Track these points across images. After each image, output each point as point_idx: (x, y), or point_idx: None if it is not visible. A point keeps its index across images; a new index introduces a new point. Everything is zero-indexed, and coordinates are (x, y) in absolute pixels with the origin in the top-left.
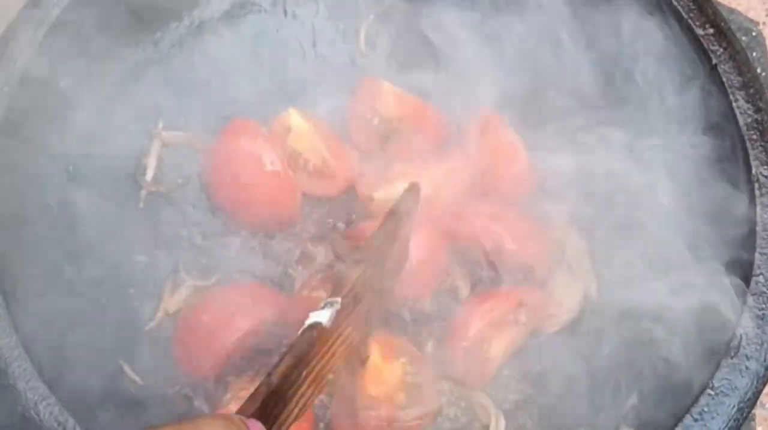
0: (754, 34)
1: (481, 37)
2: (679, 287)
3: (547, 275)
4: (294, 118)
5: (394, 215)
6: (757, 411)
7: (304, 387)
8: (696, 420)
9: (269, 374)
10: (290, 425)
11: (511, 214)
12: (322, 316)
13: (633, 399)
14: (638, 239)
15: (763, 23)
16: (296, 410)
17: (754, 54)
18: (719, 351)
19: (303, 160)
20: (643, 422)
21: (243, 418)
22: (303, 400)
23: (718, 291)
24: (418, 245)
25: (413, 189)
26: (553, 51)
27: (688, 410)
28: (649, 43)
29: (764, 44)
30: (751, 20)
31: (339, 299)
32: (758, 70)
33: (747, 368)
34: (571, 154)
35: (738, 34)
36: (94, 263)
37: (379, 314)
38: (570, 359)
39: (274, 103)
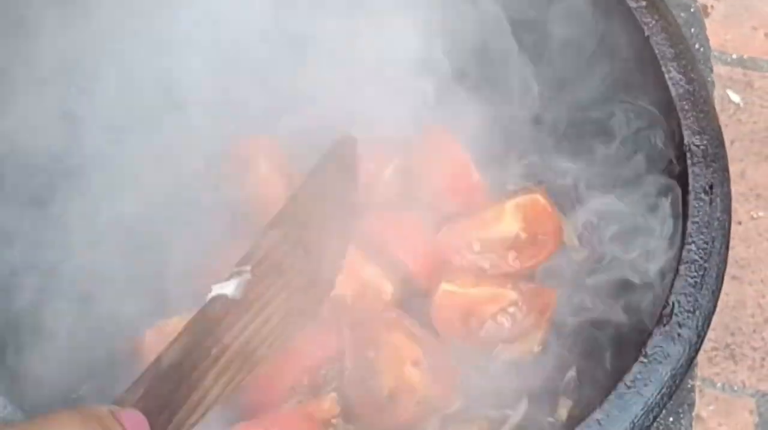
0: (692, 10)
1: None
2: (612, 258)
3: None
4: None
5: (318, 172)
6: (708, 390)
7: (219, 368)
8: (629, 387)
9: (158, 358)
10: (204, 412)
11: None
12: (227, 287)
13: (572, 372)
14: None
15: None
16: (212, 394)
17: (693, 30)
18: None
19: None
20: (582, 394)
21: (115, 409)
22: (222, 382)
23: (650, 260)
24: None
25: (347, 141)
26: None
27: (621, 378)
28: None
29: (702, 21)
30: None
31: (248, 268)
32: (696, 46)
33: (679, 335)
34: None
35: (676, 11)
36: None
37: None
38: None
39: None
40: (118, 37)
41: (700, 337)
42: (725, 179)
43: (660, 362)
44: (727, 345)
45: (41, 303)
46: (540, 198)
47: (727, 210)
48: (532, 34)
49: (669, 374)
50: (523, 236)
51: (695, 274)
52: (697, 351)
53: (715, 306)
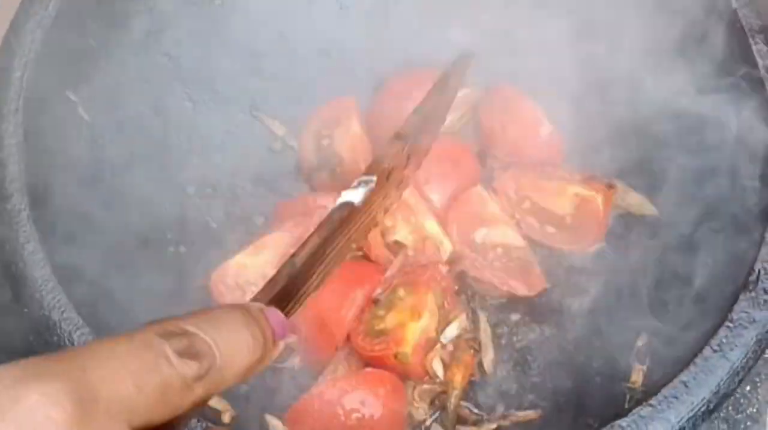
0: None
1: None
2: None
3: None
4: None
5: (440, 88)
6: None
7: (325, 263)
8: (715, 351)
9: (293, 255)
10: (305, 299)
11: None
12: (356, 195)
13: (642, 339)
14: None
15: None
16: (314, 285)
17: None
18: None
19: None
20: (659, 358)
21: (262, 307)
22: (322, 275)
23: (737, 227)
24: None
25: (467, 56)
26: None
27: (707, 342)
28: None
29: None
30: None
31: (374, 178)
32: None
33: (765, 301)
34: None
35: None
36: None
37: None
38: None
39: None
40: None
41: None
42: None
43: (746, 327)
44: None
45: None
46: (599, 200)
47: None
48: None
49: (755, 338)
50: (569, 221)
51: None
52: None
53: None
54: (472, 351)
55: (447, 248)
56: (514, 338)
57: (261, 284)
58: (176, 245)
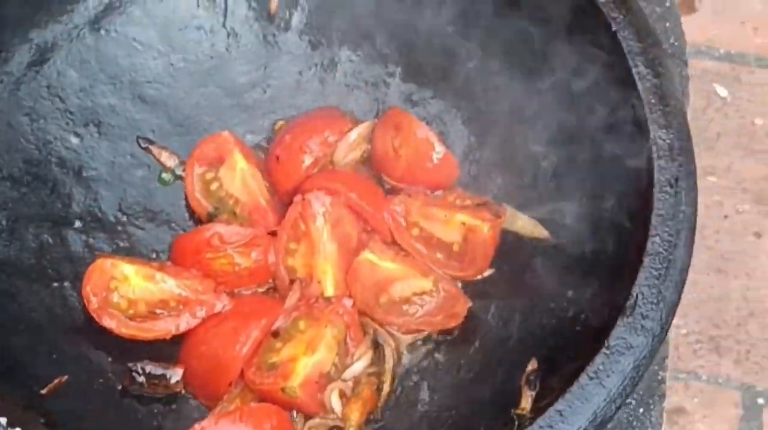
0: (667, 5)
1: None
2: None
3: None
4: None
5: None
6: (693, 383)
7: None
8: (591, 379)
9: None
10: None
11: None
12: None
13: (533, 364)
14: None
15: None
16: None
17: (667, 24)
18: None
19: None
20: (544, 386)
21: None
22: None
23: (619, 252)
24: None
25: None
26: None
27: (583, 369)
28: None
29: (678, 15)
30: None
31: None
32: (671, 40)
33: (642, 327)
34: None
35: (651, 5)
36: None
37: None
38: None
39: (188, 86)
40: None
41: (664, 329)
42: (691, 173)
43: (623, 354)
44: (712, 338)
45: None
46: (486, 229)
47: (693, 203)
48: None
49: (632, 365)
50: (456, 249)
51: (659, 266)
52: (660, 342)
53: (679, 298)
54: (374, 387)
55: (328, 293)
56: (414, 370)
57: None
58: (60, 281)
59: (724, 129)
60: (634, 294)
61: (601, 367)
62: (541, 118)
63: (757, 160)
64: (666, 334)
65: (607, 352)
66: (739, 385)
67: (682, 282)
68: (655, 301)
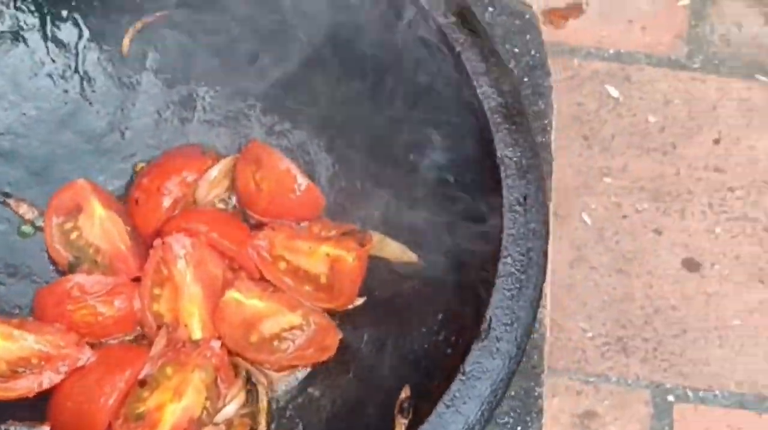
0: (527, 17)
1: None
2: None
3: None
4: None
5: None
6: (603, 385)
7: None
8: (448, 406)
9: None
10: None
11: None
12: None
13: (406, 391)
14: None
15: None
16: None
17: (528, 36)
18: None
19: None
20: (417, 413)
21: None
22: None
23: (475, 272)
24: None
25: None
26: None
27: (440, 397)
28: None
29: (538, 26)
30: (524, 3)
31: None
32: (532, 53)
33: (498, 349)
34: None
35: (510, 18)
36: None
37: None
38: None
39: (44, 134)
40: None
41: (521, 349)
42: (540, 190)
43: (479, 379)
44: (619, 339)
45: None
46: (350, 258)
47: (544, 221)
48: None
49: (489, 390)
50: (324, 280)
51: (512, 286)
52: (518, 364)
53: (534, 317)
54: (248, 428)
55: (195, 336)
56: (289, 406)
57: None
58: None
59: (617, 129)
60: (488, 317)
61: (457, 394)
62: (396, 142)
63: (652, 159)
64: (523, 353)
65: (463, 378)
66: (649, 383)
67: (537, 300)
68: (509, 322)
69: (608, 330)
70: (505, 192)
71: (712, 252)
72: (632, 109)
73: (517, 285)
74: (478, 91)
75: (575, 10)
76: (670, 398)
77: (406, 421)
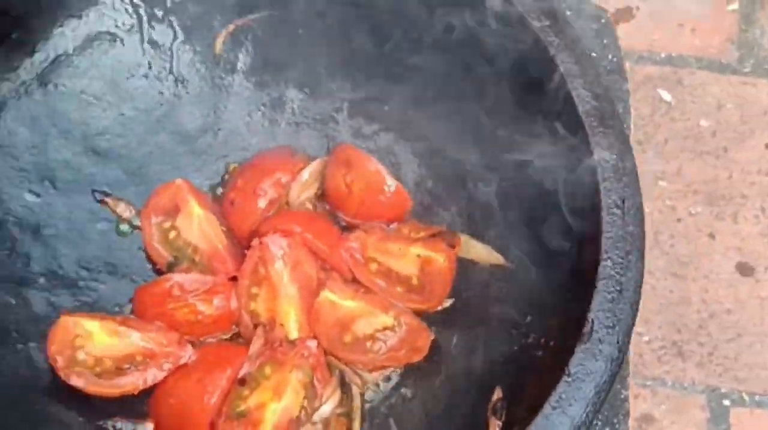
0: (603, 21)
1: None
2: (533, 277)
3: None
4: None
5: None
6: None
7: None
8: (555, 408)
9: None
10: None
11: None
12: None
13: (498, 392)
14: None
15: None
16: None
17: (605, 41)
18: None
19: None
20: (510, 415)
21: None
22: None
23: (568, 274)
24: None
25: None
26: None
27: (546, 399)
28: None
29: (614, 30)
30: (600, 7)
31: None
32: (609, 57)
33: (600, 351)
34: None
35: (587, 22)
36: None
37: None
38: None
39: (140, 135)
40: None
41: (622, 351)
42: (637, 192)
43: (583, 380)
44: (674, 343)
45: None
46: (441, 259)
47: (640, 223)
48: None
49: (593, 391)
50: (415, 282)
51: (613, 289)
52: (619, 365)
53: (635, 319)
54: (344, 427)
55: (292, 336)
56: (382, 406)
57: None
58: (25, 342)
59: (671, 133)
60: (590, 320)
61: (563, 395)
62: (486, 144)
63: (705, 162)
64: (624, 356)
65: (569, 380)
66: (705, 388)
67: (637, 302)
68: (611, 325)
69: (664, 334)
70: (602, 195)
71: (765, 256)
72: (685, 113)
73: (618, 288)
74: (573, 93)
75: (626, 13)
76: (726, 402)
77: (500, 422)
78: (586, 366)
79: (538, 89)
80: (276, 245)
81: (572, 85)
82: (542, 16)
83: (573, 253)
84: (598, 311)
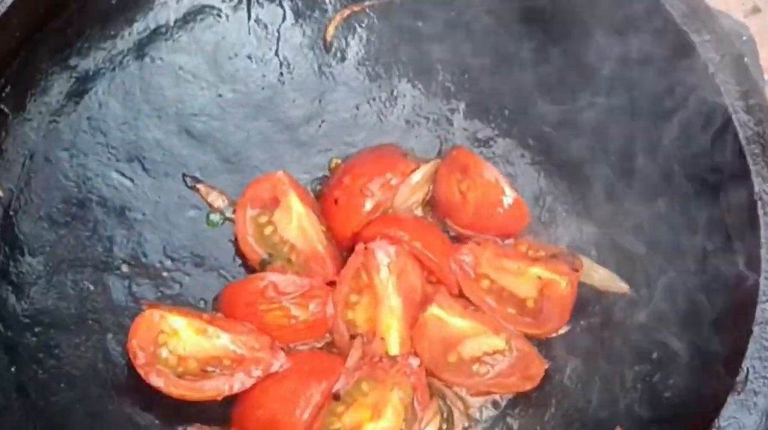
0: (744, 38)
1: None
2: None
3: None
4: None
5: None
6: None
7: None
8: None
9: None
10: None
11: None
12: None
13: None
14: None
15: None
16: None
17: (746, 60)
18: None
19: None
20: None
21: None
22: None
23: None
24: None
25: None
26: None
27: None
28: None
29: (756, 49)
30: (742, 24)
31: None
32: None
33: (755, 404)
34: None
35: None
36: None
37: None
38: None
39: (238, 119)
40: None
41: None
42: None
43: None
44: None
45: None
46: (563, 284)
47: None
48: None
49: None
50: (531, 304)
51: None
52: None
53: None
54: None
55: (393, 351)
56: None
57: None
58: (102, 333)
59: None
60: (745, 368)
61: None
62: (625, 160)
63: None
64: None
65: None
66: None
67: None
68: (767, 375)
69: None
70: (763, 232)
71: None
72: None
73: None
74: (734, 117)
75: None
76: None
77: None
78: (738, 419)
79: (693, 107)
80: (383, 252)
81: (733, 109)
82: (703, 30)
83: (715, 289)
84: (755, 360)
